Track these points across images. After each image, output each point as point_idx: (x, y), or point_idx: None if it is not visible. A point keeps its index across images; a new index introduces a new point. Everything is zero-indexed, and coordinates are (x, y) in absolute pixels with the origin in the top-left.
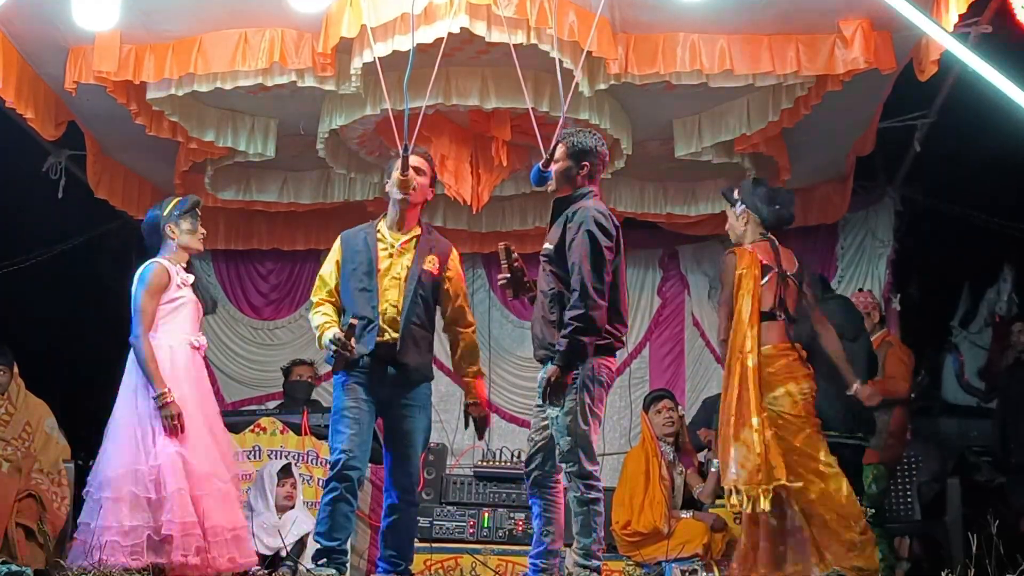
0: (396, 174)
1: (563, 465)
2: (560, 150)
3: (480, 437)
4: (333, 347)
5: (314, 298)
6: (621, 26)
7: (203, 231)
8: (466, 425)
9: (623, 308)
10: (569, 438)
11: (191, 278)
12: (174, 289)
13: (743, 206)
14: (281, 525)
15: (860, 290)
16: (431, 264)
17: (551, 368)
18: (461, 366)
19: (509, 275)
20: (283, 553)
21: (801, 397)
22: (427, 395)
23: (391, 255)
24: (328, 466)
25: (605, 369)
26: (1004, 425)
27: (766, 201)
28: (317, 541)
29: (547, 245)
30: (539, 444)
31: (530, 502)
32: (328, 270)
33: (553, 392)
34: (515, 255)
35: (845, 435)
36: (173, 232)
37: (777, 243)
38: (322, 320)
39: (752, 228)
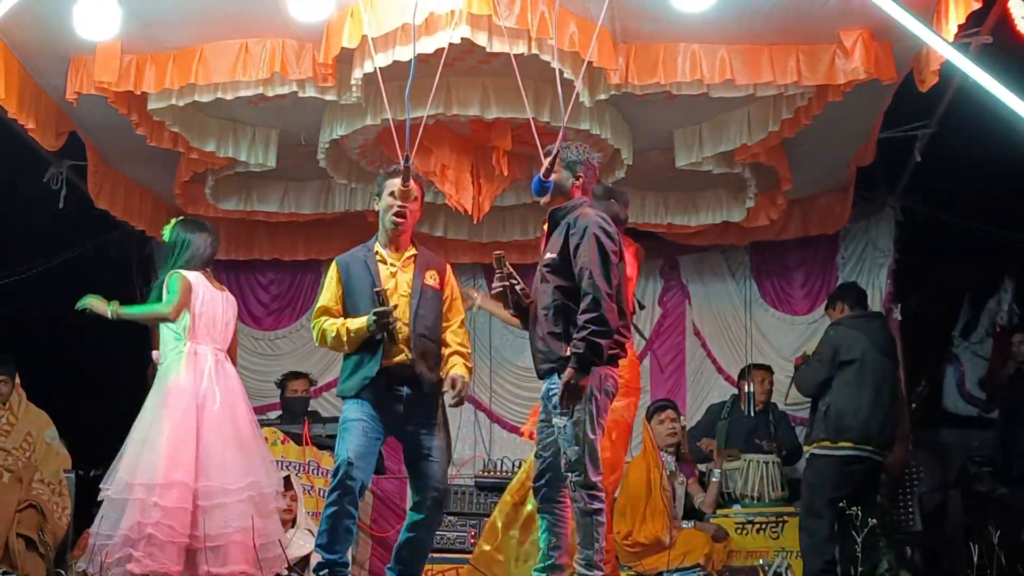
0: (388, 198)
1: (567, 473)
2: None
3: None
4: (379, 321)
5: (316, 322)
6: (622, 36)
7: None
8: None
9: (627, 316)
10: (576, 447)
11: None
12: None
13: None
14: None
15: None
16: (432, 279)
17: (568, 371)
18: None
19: (505, 284)
20: (284, 570)
21: None
22: (444, 412)
23: (393, 274)
24: (330, 474)
25: (611, 379)
26: (1005, 436)
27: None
28: (318, 553)
29: (549, 255)
30: (548, 460)
31: (538, 516)
32: (330, 298)
33: (570, 396)
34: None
35: (870, 449)
36: None
37: None
38: (335, 320)
39: None
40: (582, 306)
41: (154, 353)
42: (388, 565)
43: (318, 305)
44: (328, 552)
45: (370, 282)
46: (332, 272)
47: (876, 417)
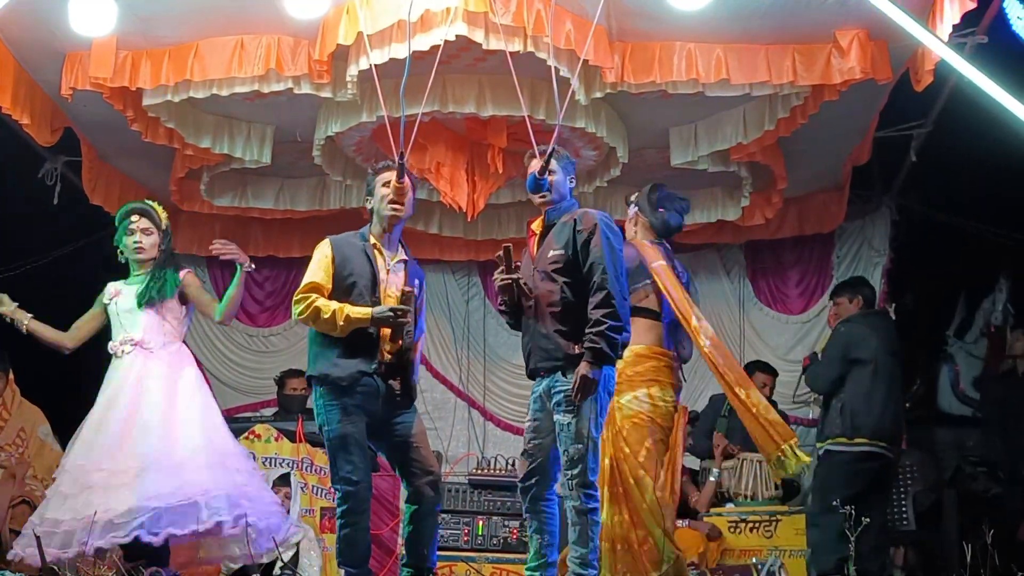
0: (382, 189)
1: (566, 472)
2: (553, 163)
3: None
4: (395, 319)
5: (306, 296)
6: (618, 35)
7: (138, 241)
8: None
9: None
10: (579, 445)
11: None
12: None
13: (635, 208)
14: None
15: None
16: (415, 287)
17: (584, 365)
18: None
19: (511, 277)
20: (279, 565)
21: (663, 403)
22: (416, 408)
23: (388, 272)
24: (338, 496)
25: (612, 380)
26: (997, 436)
27: (653, 206)
28: (343, 570)
29: (555, 251)
30: (539, 460)
31: (526, 516)
32: (324, 277)
33: (586, 390)
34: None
35: (883, 445)
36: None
37: (670, 249)
38: (331, 302)
39: (642, 231)
40: (595, 300)
41: None
42: (403, 562)
43: (308, 281)
44: (353, 567)
45: (369, 273)
46: (326, 251)
47: (888, 414)
